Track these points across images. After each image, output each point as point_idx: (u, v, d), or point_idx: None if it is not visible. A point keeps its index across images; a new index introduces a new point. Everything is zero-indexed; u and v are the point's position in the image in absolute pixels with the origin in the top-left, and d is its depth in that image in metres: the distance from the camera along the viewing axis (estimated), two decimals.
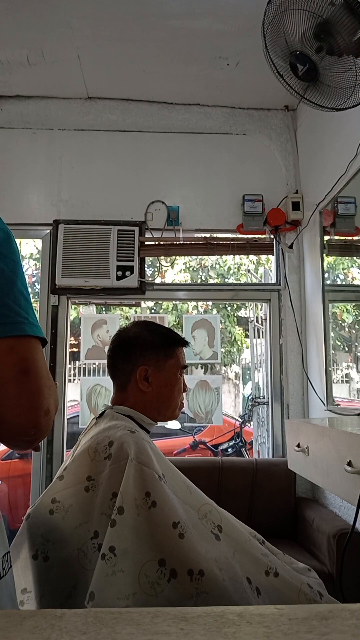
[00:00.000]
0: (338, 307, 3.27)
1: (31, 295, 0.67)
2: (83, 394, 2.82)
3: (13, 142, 2.84)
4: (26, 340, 0.60)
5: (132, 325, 1.24)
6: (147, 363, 1.15)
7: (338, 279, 3.08)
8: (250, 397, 3.32)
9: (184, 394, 1.24)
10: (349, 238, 2.61)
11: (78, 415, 2.81)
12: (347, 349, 3.36)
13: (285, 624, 0.36)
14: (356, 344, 3.18)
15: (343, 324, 3.44)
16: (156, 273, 5.33)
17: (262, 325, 3.01)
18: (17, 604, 0.69)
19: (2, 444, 0.65)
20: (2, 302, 0.59)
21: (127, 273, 2.71)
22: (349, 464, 1.16)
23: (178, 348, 1.20)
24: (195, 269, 7.44)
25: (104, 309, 4.99)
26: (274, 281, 2.91)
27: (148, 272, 3.45)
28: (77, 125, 2.86)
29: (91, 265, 2.72)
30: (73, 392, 3.66)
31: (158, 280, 4.80)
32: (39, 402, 0.60)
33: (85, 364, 3.30)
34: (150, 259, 2.96)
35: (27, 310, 0.61)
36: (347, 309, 3.46)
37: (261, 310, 3.06)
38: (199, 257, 6.36)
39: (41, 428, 0.61)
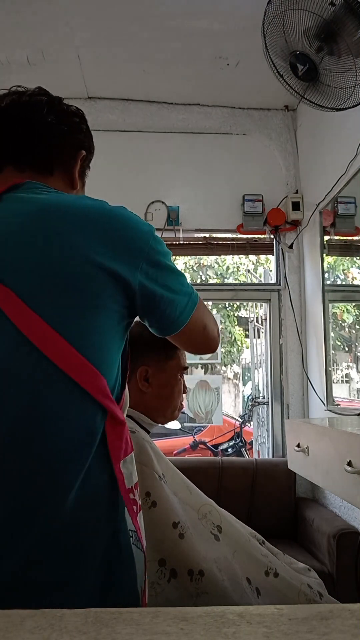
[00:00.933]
0: (338, 307, 3.26)
1: None
2: None
3: None
4: (197, 307, 0.81)
5: (134, 325, 1.23)
6: (148, 363, 1.15)
7: (338, 279, 3.08)
8: (250, 397, 3.32)
9: (184, 394, 1.24)
10: (349, 238, 2.61)
11: None
12: (347, 349, 3.36)
13: (285, 624, 0.36)
14: (356, 344, 3.18)
15: (343, 324, 3.44)
16: None
17: (262, 325, 3.01)
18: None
19: None
20: (181, 291, 0.78)
21: None
22: (349, 464, 1.16)
23: (179, 350, 1.20)
24: (195, 269, 7.43)
25: None
26: (274, 281, 2.91)
27: None
28: None
29: None
30: None
31: None
32: (210, 339, 0.87)
33: None
34: None
35: (186, 285, 0.79)
36: (347, 309, 3.46)
37: (261, 309, 3.06)
38: (199, 257, 6.35)
39: (215, 347, 0.91)
